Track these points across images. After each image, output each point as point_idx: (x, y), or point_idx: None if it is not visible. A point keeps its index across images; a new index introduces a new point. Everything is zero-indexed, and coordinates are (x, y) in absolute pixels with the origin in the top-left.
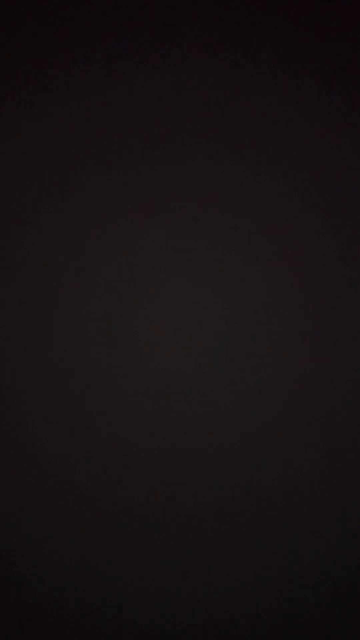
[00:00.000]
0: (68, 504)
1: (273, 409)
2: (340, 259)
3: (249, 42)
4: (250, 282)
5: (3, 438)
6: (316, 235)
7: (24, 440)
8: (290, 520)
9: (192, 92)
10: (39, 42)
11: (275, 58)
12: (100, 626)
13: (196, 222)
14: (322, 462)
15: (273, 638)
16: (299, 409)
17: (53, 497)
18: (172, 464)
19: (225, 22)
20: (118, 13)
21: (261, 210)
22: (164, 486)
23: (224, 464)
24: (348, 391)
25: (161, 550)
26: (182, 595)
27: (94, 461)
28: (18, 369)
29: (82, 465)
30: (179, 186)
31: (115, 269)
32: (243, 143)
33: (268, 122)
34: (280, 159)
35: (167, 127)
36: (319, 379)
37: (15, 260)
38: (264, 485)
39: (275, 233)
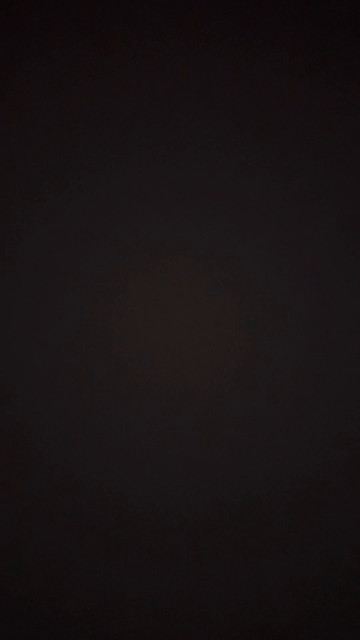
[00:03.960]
0: (63, 513)
1: (275, 409)
2: (348, 249)
3: (250, 31)
4: (252, 282)
5: None
6: (325, 228)
7: (18, 448)
8: (293, 536)
9: (193, 80)
10: (38, 33)
11: (275, 46)
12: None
13: (197, 218)
14: (327, 475)
15: None
16: (302, 412)
17: (49, 506)
18: (173, 472)
19: (226, 14)
20: (116, 6)
21: (265, 205)
22: (164, 498)
23: (223, 470)
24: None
25: (159, 564)
26: (179, 610)
27: (93, 469)
28: (13, 367)
29: (80, 475)
30: (180, 178)
31: (113, 266)
32: (246, 133)
33: (273, 105)
34: (283, 148)
35: (169, 112)
36: (323, 379)
37: (12, 252)
38: (265, 498)
39: (278, 227)
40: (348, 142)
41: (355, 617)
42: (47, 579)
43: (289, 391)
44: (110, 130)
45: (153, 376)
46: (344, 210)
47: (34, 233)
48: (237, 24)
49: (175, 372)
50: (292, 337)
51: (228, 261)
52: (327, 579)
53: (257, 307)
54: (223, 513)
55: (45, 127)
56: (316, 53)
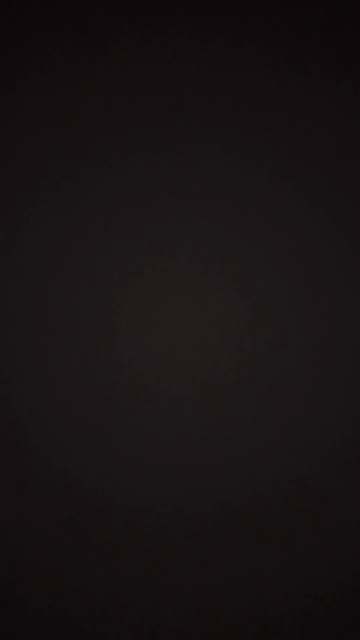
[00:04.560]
0: (63, 513)
1: (275, 409)
2: (349, 250)
3: (250, 31)
4: (253, 282)
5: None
6: (327, 228)
7: (19, 448)
8: (294, 536)
9: (193, 80)
10: (38, 33)
11: (275, 45)
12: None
13: (199, 219)
14: (328, 476)
15: None
16: (303, 413)
17: (49, 506)
18: (173, 472)
19: (226, 15)
20: (116, 6)
21: (267, 206)
22: (164, 498)
23: (224, 470)
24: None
25: (159, 564)
26: (179, 610)
27: (93, 469)
28: (14, 368)
29: (82, 473)
30: (180, 178)
31: (114, 264)
32: (246, 132)
33: (273, 104)
34: (284, 148)
35: (169, 112)
36: (324, 380)
37: (12, 251)
38: (265, 499)
39: (280, 228)
40: (348, 142)
41: (355, 617)
42: (47, 579)
43: (290, 392)
44: (110, 130)
45: (154, 376)
46: (345, 211)
47: (34, 233)
48: (237, 24)
49: (176, 372)
50: (293, 338)
51: (229, 262)
52: (327, 579)
53: (258, 308)
54: (223, 513)
55: (45, 127)
56: (316, 53)
